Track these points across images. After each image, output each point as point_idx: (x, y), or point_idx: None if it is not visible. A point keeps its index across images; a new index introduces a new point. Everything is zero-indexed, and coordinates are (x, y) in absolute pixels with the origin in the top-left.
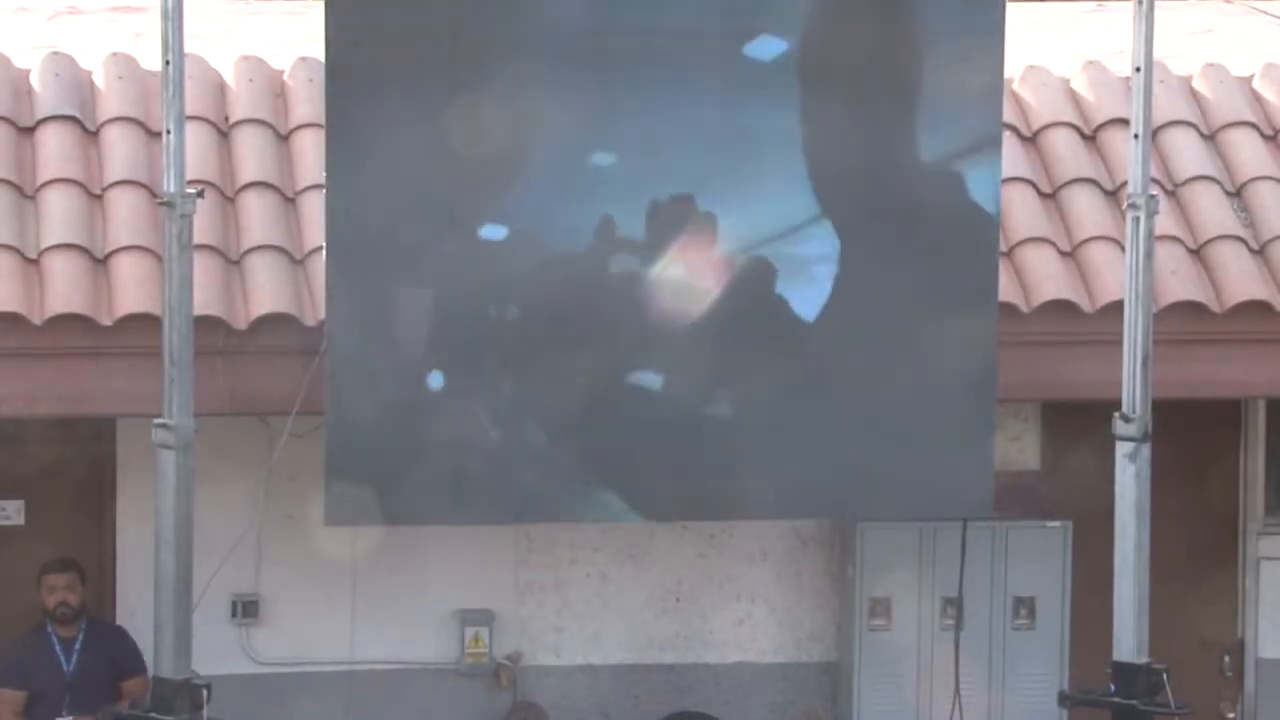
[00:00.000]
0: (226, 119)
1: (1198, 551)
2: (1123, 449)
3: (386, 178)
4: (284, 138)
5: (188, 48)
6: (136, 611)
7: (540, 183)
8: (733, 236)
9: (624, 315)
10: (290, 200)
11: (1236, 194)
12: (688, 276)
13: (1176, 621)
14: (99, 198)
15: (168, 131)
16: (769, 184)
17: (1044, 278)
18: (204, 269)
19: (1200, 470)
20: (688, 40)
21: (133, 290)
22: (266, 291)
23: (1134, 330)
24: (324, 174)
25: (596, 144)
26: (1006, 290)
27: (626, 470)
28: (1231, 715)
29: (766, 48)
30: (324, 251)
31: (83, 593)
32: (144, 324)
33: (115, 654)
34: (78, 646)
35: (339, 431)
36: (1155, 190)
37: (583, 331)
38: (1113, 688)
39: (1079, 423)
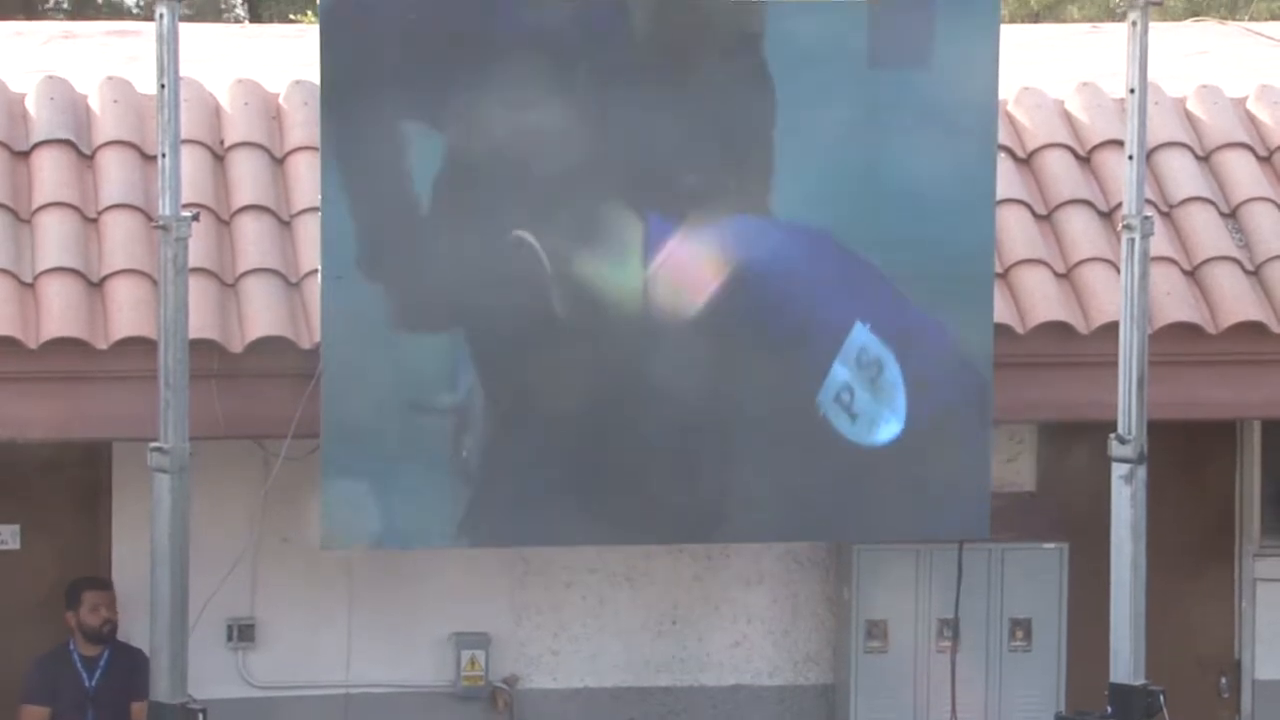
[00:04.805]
0: (222, 142)
1: (1194, 573)
2: (1119, 470)
3: (381, 200)
4: (279, 161)
5: (183, 71)
6: (132, 635)
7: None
8: (728, 249)
9: (621, 333)
10: (285, 223)
11: (1231, 215)
12: (681, 291)
13: (1173, 643)
14: (94, 221)
15: (163, 155)
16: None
17: (1039, 299)
18: (199, 292)
19: (1196, 492)
20: (683, 47)
21: (128, 313)
22: (262, 314)
23: (1129, 351)
24: (319, 197)
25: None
26: (1002, 311)
27: (623, 493)
28: None
29: None
30: (319, 274)
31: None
32: (139, 347)
33: (134, 674)
34: (102, 664)
35: (334, 454)
36: (1150, 211)
37: (580, 351)
38: (1109, 709)
39: (1075, 444)
